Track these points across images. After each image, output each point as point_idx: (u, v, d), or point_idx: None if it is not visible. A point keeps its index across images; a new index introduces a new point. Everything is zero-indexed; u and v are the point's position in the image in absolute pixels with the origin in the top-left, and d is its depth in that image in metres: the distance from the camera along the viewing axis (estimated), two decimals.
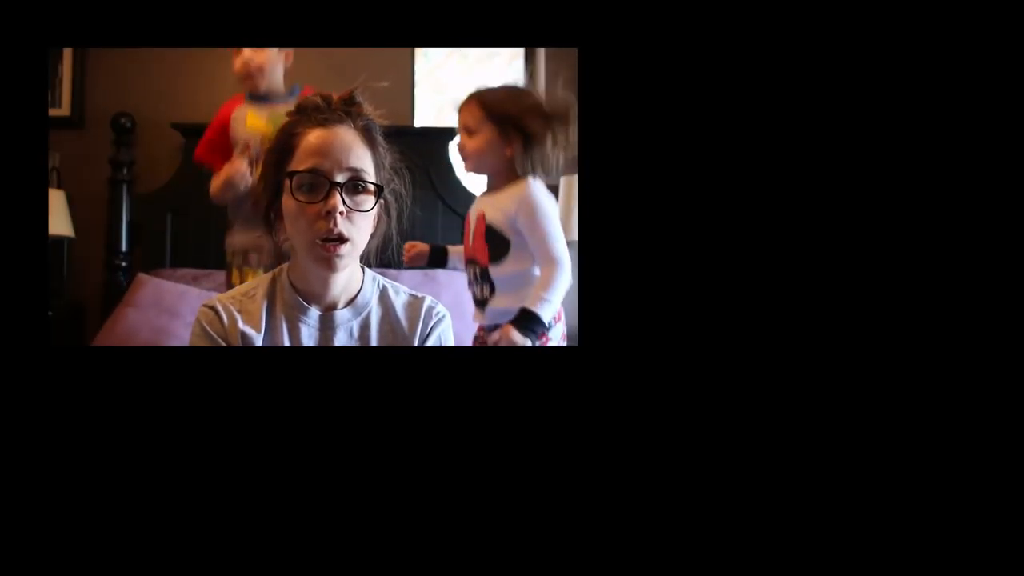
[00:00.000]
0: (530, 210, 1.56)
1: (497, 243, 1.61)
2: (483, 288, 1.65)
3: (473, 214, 1.71)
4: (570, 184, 2.62)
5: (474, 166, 1.67)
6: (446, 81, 2.96)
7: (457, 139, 1.67)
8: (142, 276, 2.48)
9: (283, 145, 1.01)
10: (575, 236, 2.58)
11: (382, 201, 1.04)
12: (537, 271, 1.58)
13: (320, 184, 0.97)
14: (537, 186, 1.60)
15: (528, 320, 1.51)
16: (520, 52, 2.94)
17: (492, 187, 1.68)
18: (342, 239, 0.97)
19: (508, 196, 1.60)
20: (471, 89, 1.67)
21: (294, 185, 0.97)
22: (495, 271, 1.62)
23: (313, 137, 0.99)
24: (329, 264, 0.99)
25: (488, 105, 1.62)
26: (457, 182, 2.75)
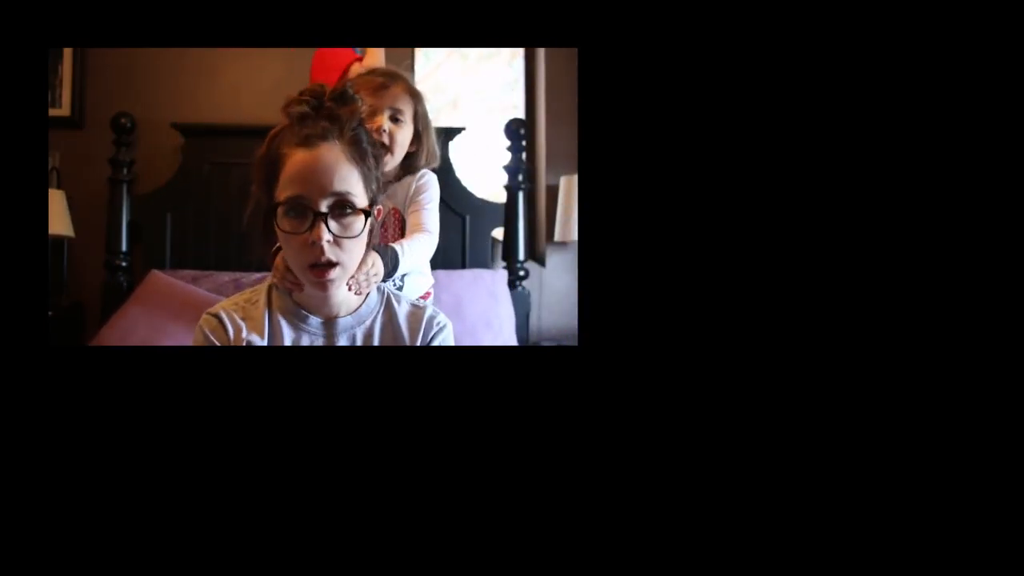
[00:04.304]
0: (432, 192, 1.59)
1: (403, 231, 1.60)
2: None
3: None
4: (570, 184, 2.62)
5: (393, 161, 1.56)
6: (446, 81, 2.96)
7: (385, 124, 1.53)
8: (155, 273, 2.48)
9: (270, 160, 0.98)
10: (575, 236, 2.58)
11: (379, 208, 1.02)
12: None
13: (304, 214, 0.94)
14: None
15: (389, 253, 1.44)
16: (520, 52, 2.93)
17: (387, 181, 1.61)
18: (331, 264, 0.95)
19: (407, 185, 1.59)
20: (395, 70, 1.60)
21: (279, 215, 0.95)
22: None
23: (296, 161, 0.95)
24: (322, 287, 0.98)
25: (415, 96, 1.57)
26: (457, 182, 2.74)
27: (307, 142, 0.95)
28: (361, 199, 0.97)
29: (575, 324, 2.45)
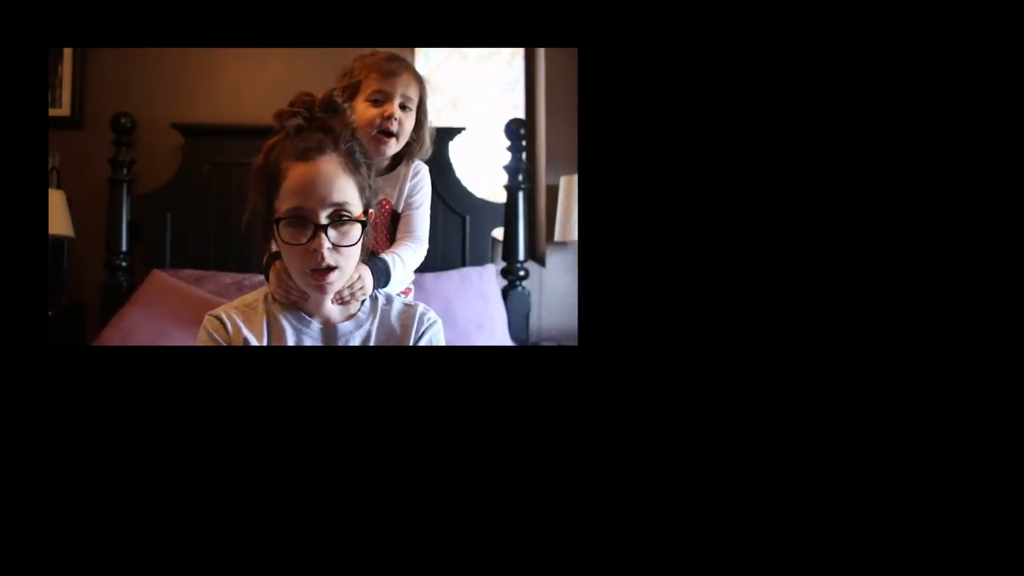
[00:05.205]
0: (426, 191, 1.57)
1: (394, 227, 1.56)
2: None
3: None
4: (570, 184, 2.62)
5: (394, 149, 1.53)
6: (446, 81, 2.96)
7: (397, 112, 1.48)
8: (157, 273, 2.48)
9: (270, 173, 1.02)
10: (575, 236, 2.58)
11: (372, 212, 1.06)
12: None
13: (305, 225, 0.99)
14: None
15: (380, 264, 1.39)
16: (520, 52, 2.93)
17: (379, 171, 1.55)
18: (331, 269, 1.00)
19: (400, 176, 1.56)
20: (402, 57, 1.56)
21: (280, 227, 0.99)
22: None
23: (296, 174, 0.99)
24: (321, 290, 1.02)
25: (421, 83, 1.55)
26: (457, 182, 2.74)
27: (305, 156, 1.00)
28: (357, 208, 1.02)
29: (575, 324, 2.44)
